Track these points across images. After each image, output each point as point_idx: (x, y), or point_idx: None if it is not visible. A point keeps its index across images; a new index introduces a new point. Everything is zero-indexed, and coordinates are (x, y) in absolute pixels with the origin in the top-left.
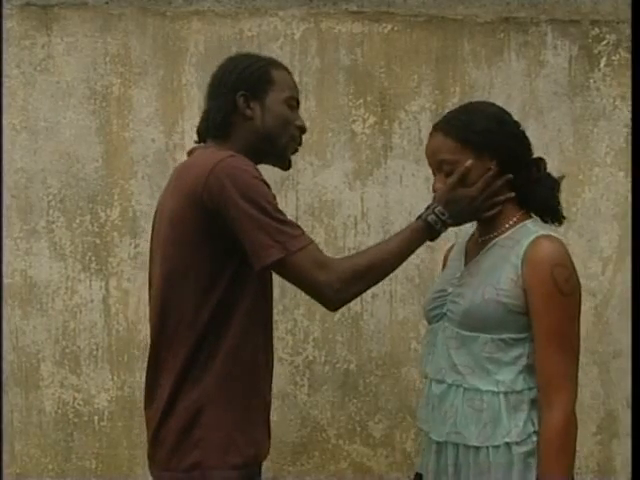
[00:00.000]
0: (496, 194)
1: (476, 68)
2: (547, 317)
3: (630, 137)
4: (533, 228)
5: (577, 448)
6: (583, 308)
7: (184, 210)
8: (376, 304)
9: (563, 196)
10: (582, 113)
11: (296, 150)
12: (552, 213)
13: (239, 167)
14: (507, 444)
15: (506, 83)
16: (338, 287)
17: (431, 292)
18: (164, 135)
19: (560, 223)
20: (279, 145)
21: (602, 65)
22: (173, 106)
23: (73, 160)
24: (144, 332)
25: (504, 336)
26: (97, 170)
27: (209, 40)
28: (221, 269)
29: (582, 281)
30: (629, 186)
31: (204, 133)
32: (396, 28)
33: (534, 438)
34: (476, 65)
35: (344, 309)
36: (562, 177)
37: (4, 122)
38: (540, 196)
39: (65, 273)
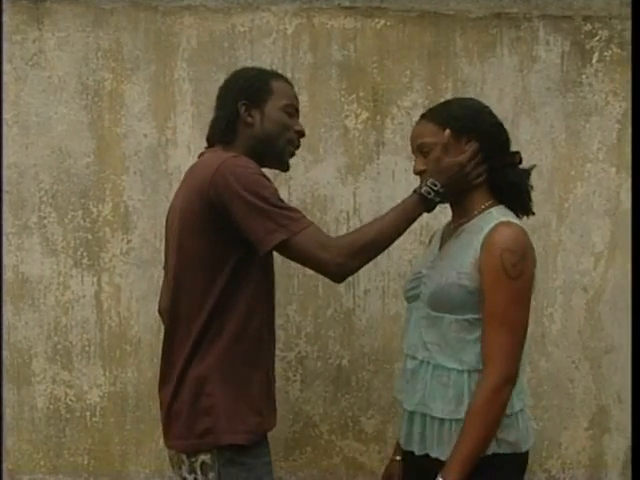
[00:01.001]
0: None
1: (469, 64)
2: (492, 298)
3: (630, 137)
4: (496, 215)
5: (569, 442)
6: (575, 303)
7: (193, 205)
8: (368, 300)
9: (556, 192)
10: (574, 109)
11: (293, 153)
12: (521, 204)
13: (241, 165)
14: None
15: (498, 78)
16: (340, 261)
17: (410, 274)
18: (156, 130)
19: (528, 215)
20: (277, 148)
21: (594, 61)
22: (165, 101)
23: (65, 155)
24: (136, 328)
25: (467, 316)
26: (89, 165)
27: (201, 35)
28: (227, 257)
29: (574, 277)
30: (621, 182)
31: (212, 139)
32: (389, 23)
33: None
34: (469, 61)
35: (336, 305)
36: (532, 166)
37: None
38: (510, 185)
39: (57, 269)
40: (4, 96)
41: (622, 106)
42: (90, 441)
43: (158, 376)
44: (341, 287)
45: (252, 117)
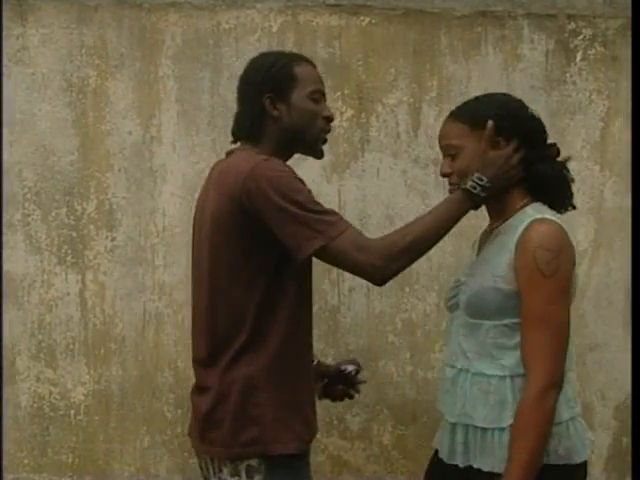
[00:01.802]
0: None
1: (453, 62)
2: (528, 298)
3: (631, 138)
4: (531, 212)
5: None
6: None
7: (225, 211)
8: (353, 297)
9: None
10: (558, 107)
11: (326, 139)
12: (561, 199)
13: (273, 169)
14: (512, 426)
15: (483, 77)
16: (380, 264)
17: (451, 282)
18: (141, 128)
19: (567, 209)
20: (309, 139)
21: (578, 59)
22: (150, 98)
23: (49, 153)
24: (120, 326)
25: (506, 321)
26: (73, 163)
27: (186, 32)
28: (265, 262)
29: None
30: (604, 180)
31: (237, 134)
32: (374, 21)
33: None
34: (453, 59)
35: (321, 302)
36: (568, 158)
37: None
38: (548, 179)
39: (41, 266)
40: (4, 96)
41: (606, 104)
42: (74, 439)
43: (196, 380)
44: (326, 285)
45: (278, 110)
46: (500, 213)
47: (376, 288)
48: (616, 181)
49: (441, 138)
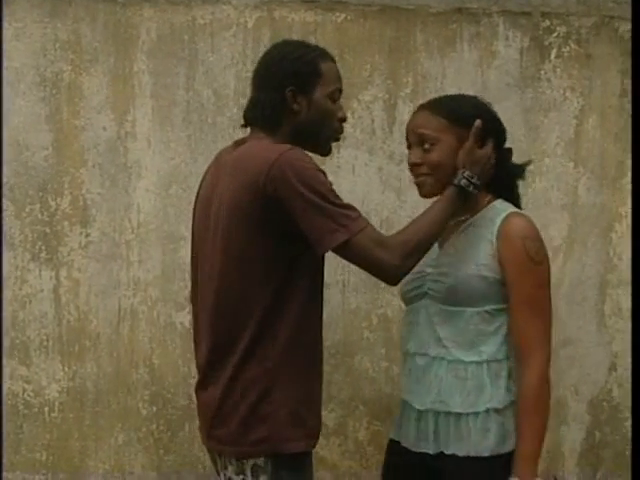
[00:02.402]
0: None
1: (429, 58)
2: (521, 285)
3: (631, 138)
4: (502, 207)
5: None
6: None
7: (245, 200)
8: (329, 293)
9: None
10: (533, 104)
11: (338, 139)
12: (516, 198)
13: (299, 159)
14: (487, 410)
15: (458, 73)
16: (398, 263)
17: (408, 275)
18: (115, 123)
19: (520, 208)
20: (321, 137)
21: (552, 57)
22: (124, 94)
23: (22, 148)
24: (95, 322)
25: (487, 308)
26: (47, 158)
27: (161, 28)
28: (282, 253)
29: None
30: (578, 176)
31: (251, 120)
32: (349, 17)
33: (511, 405)
34: (429, 55)
35: None
36: (528, 162)
37: None
38: (511, 179)
39: (14, 262)
40: (4, 96)
41: (579, 102)
42: (49, 437)
43: (198, 375)
44: None
45: (299, 104)
46: (466, 208)
47: (351, 284)
48: (590, 177)
49: (416, 127)
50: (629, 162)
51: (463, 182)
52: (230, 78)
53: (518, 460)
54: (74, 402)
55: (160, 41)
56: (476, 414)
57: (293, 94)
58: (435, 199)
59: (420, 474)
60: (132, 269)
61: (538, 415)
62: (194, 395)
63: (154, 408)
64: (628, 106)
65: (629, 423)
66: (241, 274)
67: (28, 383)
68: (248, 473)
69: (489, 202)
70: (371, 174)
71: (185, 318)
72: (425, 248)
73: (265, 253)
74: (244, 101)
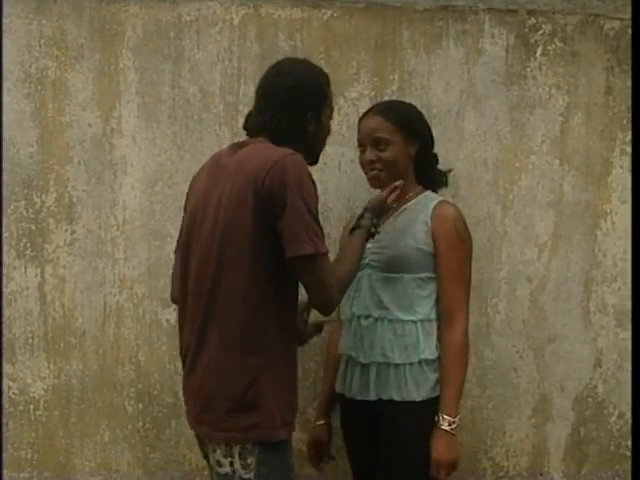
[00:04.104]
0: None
1: (415, 55)
2: (450, 258)
3: (631, 138)
4: (432, 196)
5: (513, 430)
6: (519, 293)
7: (244, 193)
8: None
9: (500, 183)
10: (519, 101)
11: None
12: (439, 185)
13: (301, 165)
14: (420, 362)
15: (444, 71)
16: (338, 297)
17: None
18: (101, 120)
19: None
20: (317, 151)
21: (538, 54)
22: (110, 91)
23: (8, 145)
24: (80, 320)
25: (421, 275)
26: (32, 155)
27: (147, 24)
28: (273, 246)
29: (518, 267)
30: (564, 174)
31: (262, 132)
32: (335, 14)
33: (437, 358)
34: (415, 52)
35: None
36: (449, 170)
37: None
38: (438, 176)
39: None
40: (4, 95)
41: (565, 99)
42: (34, 435)
43: (184, 361)
44: None
45: (313, 126)
46: (399, 199)
47: None
48: (575, 175)
49: (373, 131)
50: (614, 159)
51: (372, 230)
52: (216, 75)
53: (445, 402)
54: (59, 400)
55: (146, 38)
56: (411, 365)
57: (311, 117)
58: (348, 241)
59: (363, 419)
60: (118, 266)
61: (461, 365)
62: (180, 392)
63: (140, 406)
64: (613, 104)
65: (614, 419)
66: (239, 267)
67: (13, 381)
68: (236, 457)
69: (420, 192)
70: (357, 171)
71: (171, 315)
72: (350, 283)
73: (258, 243)
74: (230, 98)
